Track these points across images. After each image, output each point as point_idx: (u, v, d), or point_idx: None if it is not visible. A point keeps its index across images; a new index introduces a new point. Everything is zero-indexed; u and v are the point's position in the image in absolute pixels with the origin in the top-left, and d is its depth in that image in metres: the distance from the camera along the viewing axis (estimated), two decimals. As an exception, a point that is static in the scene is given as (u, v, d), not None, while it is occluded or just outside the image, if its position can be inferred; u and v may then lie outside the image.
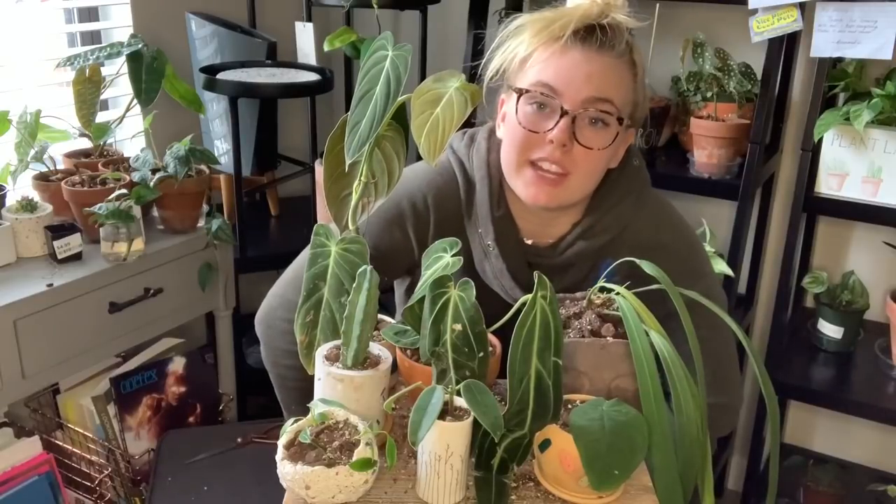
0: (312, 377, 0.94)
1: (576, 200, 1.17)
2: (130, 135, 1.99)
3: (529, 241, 1.23)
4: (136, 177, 1.73)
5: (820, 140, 1.75)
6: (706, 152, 1.89)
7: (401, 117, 0.95)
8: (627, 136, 1.18)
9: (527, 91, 1.11)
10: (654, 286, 0.98)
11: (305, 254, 1.03)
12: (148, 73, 1.74)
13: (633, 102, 1.15)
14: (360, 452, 0.84)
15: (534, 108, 1.11)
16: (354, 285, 0.91)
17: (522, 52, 1.12)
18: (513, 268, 1.20)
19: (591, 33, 1.10)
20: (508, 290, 1.21)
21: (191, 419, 1.88)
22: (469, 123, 1.14)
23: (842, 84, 1.81)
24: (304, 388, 1.11)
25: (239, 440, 1.67)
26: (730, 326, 1.00)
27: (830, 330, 1.97)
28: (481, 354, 0.90)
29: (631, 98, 1.14)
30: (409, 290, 1.35)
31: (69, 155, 1.86)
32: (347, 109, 0.93)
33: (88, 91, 1.76)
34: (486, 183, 1.20)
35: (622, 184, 1.21)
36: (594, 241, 1.19)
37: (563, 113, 1.09)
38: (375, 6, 1.92)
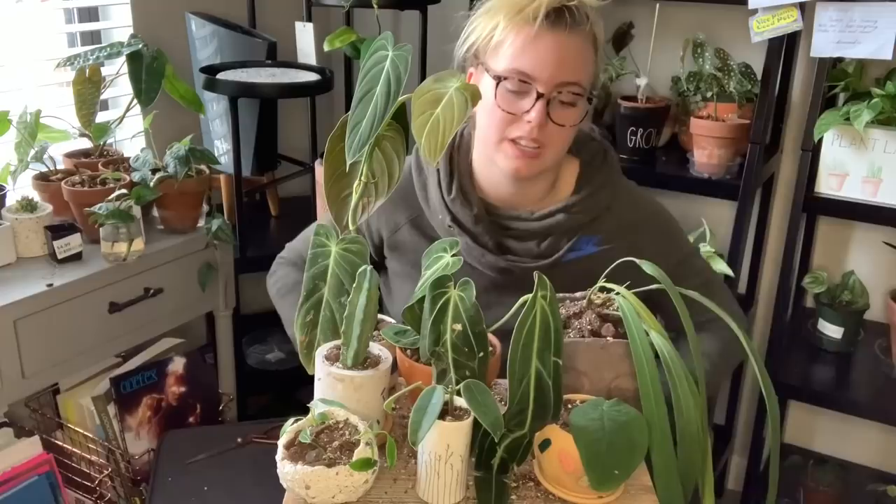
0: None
1: (550, 168, 1.27)
2: (130, 135, 1.99)
3: (499, 207, 1.31)
4: (136, 177, 1.73)
5: (820, 140, 1.75)
6: (706, 152, 1.89)
7: (401, 117, 0.95)
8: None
9: (505, 78, 1.18)
10: (655, 286, 0.98)
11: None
12: (148, 73, 1.74)
13: (595, 75, 1.24)
14: (360, 452, 0.84)
15: (510, 92, 1.19)
16: (354, 285, 0.91)
17: (497, 35, 1.19)
18: (480, 239, 1.28)
19: (561, 15, 1.17)
20: (480, 258, 1.28)
21: (191, 419, 1.88)
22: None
23: (842, 84, 1.81)
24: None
25: (239, 440, 1.67)
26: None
27: (830, 330, 1.97)
28: (481, 354, 0.90)
29: (594, 71, 1.23)
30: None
31: (69, 155, 1.86)
32: (347, 109, 0.93)
33: (88, 91, 1.76)
34: (434, 175, 1.30)
35: (604, 172, 1.32)
36: (574, 217, 1.28)
37: (539, 96, 1.17)
38: (375, 6, 1.92)
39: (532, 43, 1.17)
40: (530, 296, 0.89)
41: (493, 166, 1.27)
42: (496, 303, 1.26)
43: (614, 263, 1.05)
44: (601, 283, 1.02)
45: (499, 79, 1.18)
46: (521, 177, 1.24)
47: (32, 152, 1.68)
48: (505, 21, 1.18)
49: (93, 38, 2.03)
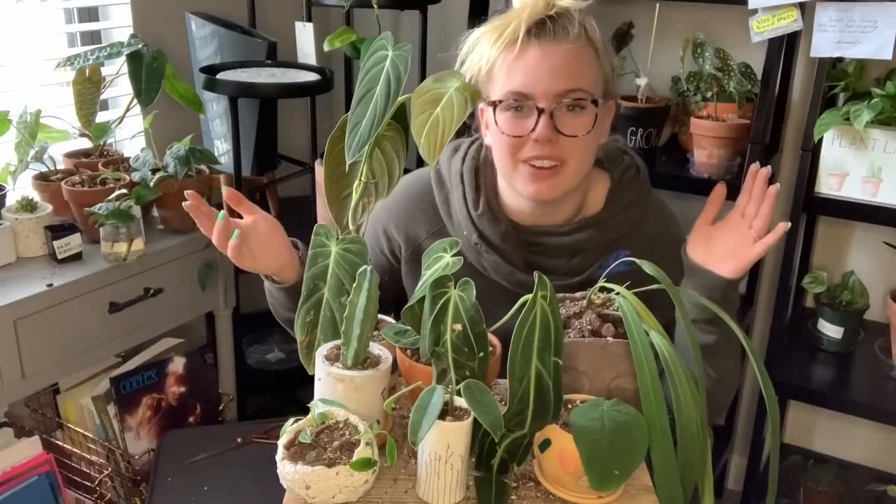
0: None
1: (576, 185, 1.22)
2: (130, 135, 1.99)
3: (529, 225, 1.27)
4: (136, 177, 1.73)
5: (820, 140, 1.75)
6: (706, 152, 1.89)
7: (401, 117, 0.95)
8: (608, 108, 1.24)
9: (500, 101, 1.16)
10: (655, 286, 0.98)
11: None
12: (148, 73, 1.74)
13: (602, 78, 1.19)
14: (360, 452, 0.84)
15: (510, 113, 1.16)
16: (354, 285, 0.91)
17: (485, 64, 1.17)
18: (508, 257, 1.25)
19: (543, 27, 1.14)
20: (509, 276, 1.25)
21: (191, 419, 1.88)
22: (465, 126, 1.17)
23: (842, 84, 1.81)
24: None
25: (239, 440, 1.67)
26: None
27: (830, 330, 1.97)
28: (481, 354, 0.90)
29: (599, 75, 1.19)
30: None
31: (69, 155, 1.86)
32: (347, 109, 0.93)
33: (88, 91, 1.76)
34: (459, 190, 1.28)
35: (636, 188, 1.29)
36: (605, 233, 1.25)
37: (540, 111, 1.14)
38: (375, 6, 1.92)
39: (520, 60, 1.14)
40: (530, 296, 0.89)
41: (515, 192, 1.24)
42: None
43: (617, 262, 1.05)
44: (601, 283, 1.02)
45: (494, 104, 1.16)
46: (544, 199, 1.20)
47: (32, 152, 1.68)
48: (490, 49, 1.16)
49: (93, 38, 2.03)
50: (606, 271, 1.20)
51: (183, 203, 1.21)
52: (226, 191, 1.21)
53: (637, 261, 0.99)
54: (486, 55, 1.16)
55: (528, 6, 1.14)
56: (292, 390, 2.35)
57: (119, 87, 1.97)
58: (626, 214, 1.27)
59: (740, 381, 2.30)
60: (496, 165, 1.24)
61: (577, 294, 1.05)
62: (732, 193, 1.85)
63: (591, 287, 1.19)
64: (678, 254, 1.25)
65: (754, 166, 1.23)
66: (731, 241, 1.21)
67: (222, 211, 1.19)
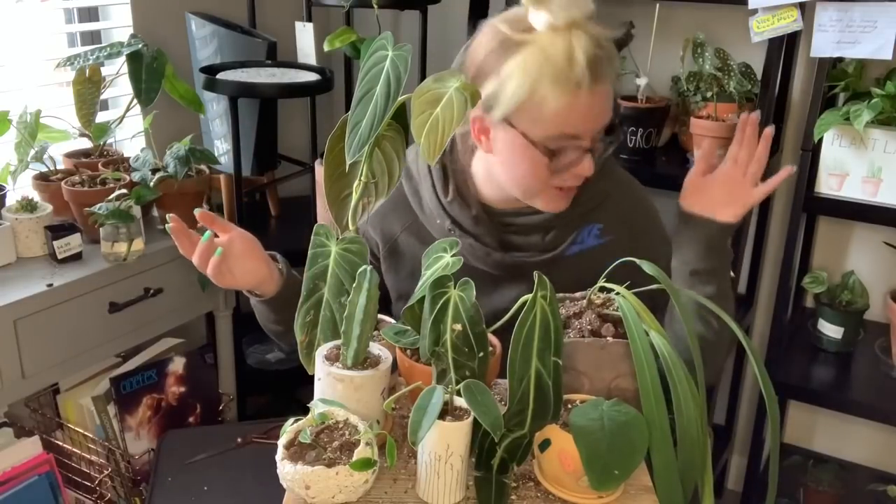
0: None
1: None
2: (130, 135, 1.99)
3: (501, 209, 1.29)
4: (136, 177, 1.73)
5: (820, 140, 1.75)
6: (706, 152, 1.89)
7: (401, 117, 0.95)
8: None
9: (554, 148, 1.14)
10: (655, 286, 0.98)
11: None
12: (148, 73, 1.74)
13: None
14: (360, 452, 0.84)
15: (555, 152, 1.16)
16: (354, 285, 0.91)
17: (539, 98, 1.11)
18: (482, 239, 1.28)
19: (597, 67, 1.10)
20: (485, 258, 1.27)
21: (191, 419, 1.88)
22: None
23: (842, 84, 1.81)
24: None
25: (239, 440, 1.67)
26: None
27: (830, 330, 1.97)
28: (481, 354, 0.90)
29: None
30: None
31: (69, 155, 1.86)
32: (347, 109, 0.93)
33: (88, 91, 1.76)
34: (428, 180, 1.30)
35: (604, 162, 1.28)
36: (575, 208, 1.26)
37: (586, 150, 1.16)
38: (375, 6, 1.92)
39: (575, 106, 1.12)
40: (530, 296, 0.89)
41: (531, 204, 1.25)
42: (500, 298, 1.28)
43: (615, 262, 1.05)
44: (601, 282, 1.02)
45: (550, 152, 1.14)
46: (561, 210, 1.24)
47: (32, 152, 1.68)
48: (549, 87, 1.10)
49: (93, 38, 2.03)
50: (579, 247, 1.28)
51: (166, 226, 1.22)
52: (198, 212, 1.21)
53: (637, 261, 0.99)
54: (536, 88, 1.10)
55: (584, 48, 1.09)
56: (292, 390, 2.35)
57: (119, 87, 1.97)
58: (594, 187, 1.27)
59: (740, 380, 2.30)
60: (509, 185, 1.23)
61: (577, 294, 1.05)
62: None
63: (564, 262, 1.26)
64: (650, 221, 1.31)
65: (744, 114, 1.25)
66: (726, 188, 1.24)
67: (208, 231, 1.20)
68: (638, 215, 1.32)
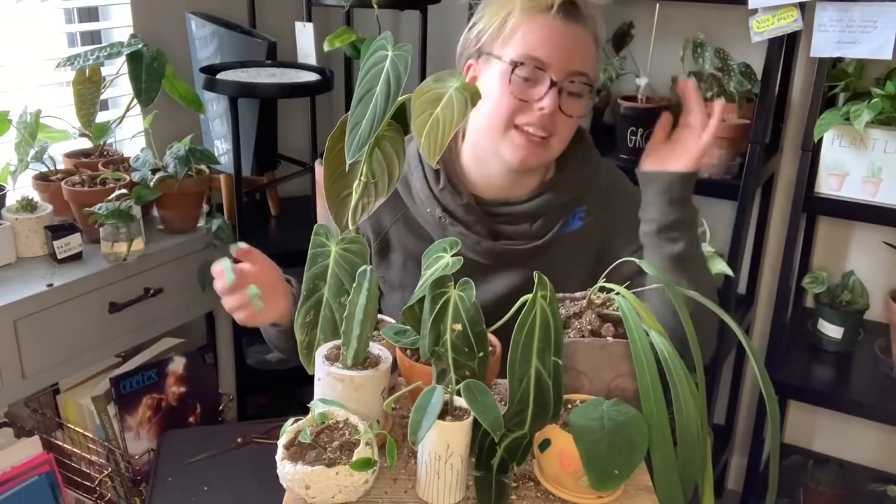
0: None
1: (553, 159, 1.29)
2: (130, 135, 1.99)
3: (491, 199, 1.31)
4: (136, 177, 1.73)
5: (820, 140, 1.75)
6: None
7: (401, 117, 0.95)
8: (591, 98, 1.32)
9: (521, 64, 1.19)
10: (655, 286, 0.98)
11: None
12: (148, 73, 1.74)
13: (596, 71, 1.28)
14: (360, 452, 0.84)
15: (523, 79, 1.20)
16: (354, 285, 0.91)
17: (511, 23, 1.20)
18: (473, 227, 1.29)
19: (572, 7, 1.20)
20: (475, 246, 1.29)
21: (191, 419, 1.88)
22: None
23: (842, 84, 1.81)
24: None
25: (239, 440, 1.67)
26: None
27: (830, 330, 1.97)
28: (481, 354, 0.90)
29: (596, 68, 1.27)
30: None
31: (69, 155, 1.86)
32: (347, 109, 0.93)
33: (88, 91, 1.76)
34: (419, 169, 1.31)
35: (583, 148, 1.35)
36: (561, 195, 1.31)
37: (552, 84, 1.20)
38: (375, 6, 1.92)
39: (547, 31, 1.19)
40: (530, 296, 0.89)
41: (491, 158, 1.28)
42: (491, 286, 1.30)
43: (616, 263, 1.06)
44: (601, 282, 1.02)
45: (514, 64, 1.20)
46: (527, 167, 1.25)
47: (32, 152, 1.68)
48: (520, 9, 1.20)
49: (93, 38, 2.03)
50: (566, 230, 1.30)
51: (224, 281, 1.16)
52: (237, 249, 1.18)
53: (637, 261, 0.99)
54: (515, 14, 1.20)
55: None
56: (292, 390, 2.35)
57: (119, 87, 1.97)
58: (579, 174, 1.32)
59: (740, 380, 2.30)
60: (479, 129, 1.27)
61: (577, 294, 1.06)
62: (732, 193, 1.87)
63: (552, 247, 1.29)
64: (629, 201, 1.32)
65: (682, 80, 1.29)
66: (680, 145, 1.28)
67: (252, 286, 1.16)
68: (618, 196, 1.35)
